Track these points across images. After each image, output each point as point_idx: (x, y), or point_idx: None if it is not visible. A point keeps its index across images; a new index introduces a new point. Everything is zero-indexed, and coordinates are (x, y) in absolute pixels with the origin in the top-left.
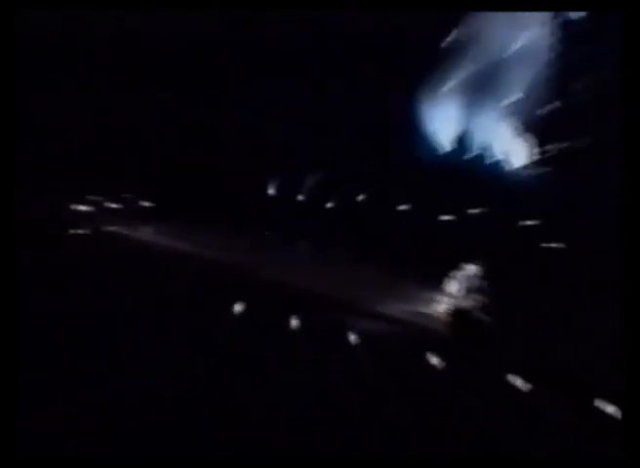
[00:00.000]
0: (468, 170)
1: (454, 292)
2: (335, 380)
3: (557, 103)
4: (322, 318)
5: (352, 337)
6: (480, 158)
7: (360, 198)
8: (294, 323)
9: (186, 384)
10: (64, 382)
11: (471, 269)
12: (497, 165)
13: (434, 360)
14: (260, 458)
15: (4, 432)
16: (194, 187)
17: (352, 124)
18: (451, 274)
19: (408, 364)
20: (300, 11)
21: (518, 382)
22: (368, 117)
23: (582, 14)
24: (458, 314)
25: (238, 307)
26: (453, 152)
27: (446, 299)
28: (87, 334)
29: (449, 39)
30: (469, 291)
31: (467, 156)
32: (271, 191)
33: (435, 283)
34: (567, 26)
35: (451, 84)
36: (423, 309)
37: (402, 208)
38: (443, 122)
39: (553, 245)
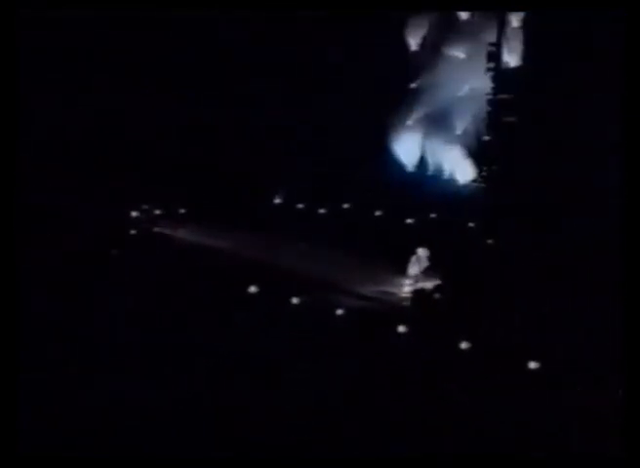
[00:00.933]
0: (426, 184)
1: (414, 273)
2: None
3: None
4: (316, 297)
5: (338, 311)
6: (435, 176)
7: (345, 206)
8: (294, 300)
9: (186, 384)
10: (65, 382)
11: (424, 256)
12: (447, 181)
13: (401, 328)
14: (259, 458)
15: (4, 432)
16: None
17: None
18: (411, 260)
19: (381, 331)
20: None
21: (464, 345)
22: (349, 141)
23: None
24: (418, 294)
25: (251, 290)
26: (415, 171)
27: (410, 282)
28: (87, 335)
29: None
30: (424, 272)
31: (426, 174)
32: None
33: (401, 270)
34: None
35: (414, 117)
36: (393, 290)
37: (377, 213)
38: (408, 148)
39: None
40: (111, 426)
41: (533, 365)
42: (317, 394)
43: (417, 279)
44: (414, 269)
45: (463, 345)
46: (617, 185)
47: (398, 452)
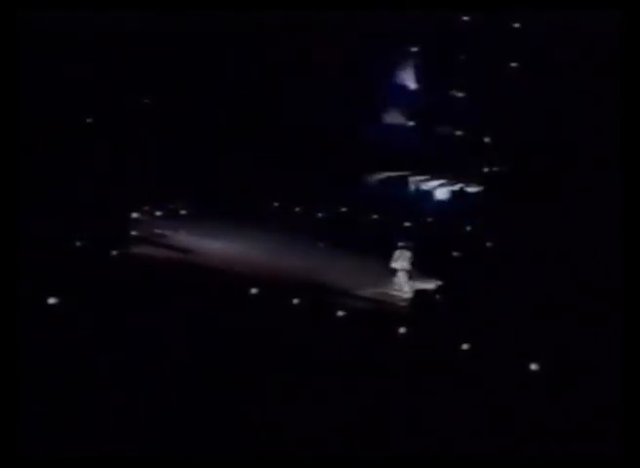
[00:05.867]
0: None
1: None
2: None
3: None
4: (316, 299)
5: (339, 312)
6: (435, 177)
7: (343, 209)
8: (295, 301)
9: (186, 385)
10: (65, 382)
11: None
12: (448, 182)
13: (401, 329)
14: (259, 458)
15: (4, 432)
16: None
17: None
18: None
19: (380, 332)
20: None
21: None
22: (349, 141)
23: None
24: (416, 294)
25: (252, 292)
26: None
27: (407, 286)
28: (87, 334)
29: (417, 83)
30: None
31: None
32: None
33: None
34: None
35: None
36: (390, 292)
37: (374, 216)
38: (408, 149)
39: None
40: (111, 426)
41: (534, 366)
42: (317, 394)
43: (406, 273)
44: (397, 263)
45: (464, 346)
46: (617, 186)
47: (398, 452)
